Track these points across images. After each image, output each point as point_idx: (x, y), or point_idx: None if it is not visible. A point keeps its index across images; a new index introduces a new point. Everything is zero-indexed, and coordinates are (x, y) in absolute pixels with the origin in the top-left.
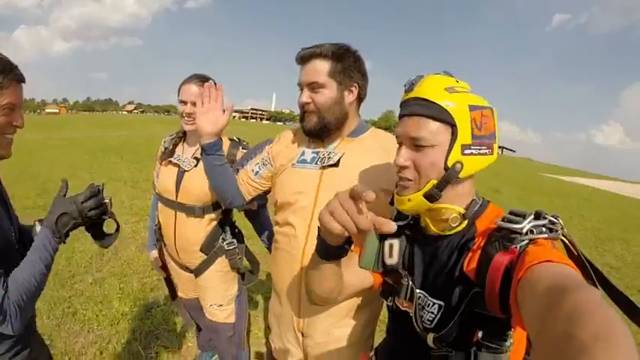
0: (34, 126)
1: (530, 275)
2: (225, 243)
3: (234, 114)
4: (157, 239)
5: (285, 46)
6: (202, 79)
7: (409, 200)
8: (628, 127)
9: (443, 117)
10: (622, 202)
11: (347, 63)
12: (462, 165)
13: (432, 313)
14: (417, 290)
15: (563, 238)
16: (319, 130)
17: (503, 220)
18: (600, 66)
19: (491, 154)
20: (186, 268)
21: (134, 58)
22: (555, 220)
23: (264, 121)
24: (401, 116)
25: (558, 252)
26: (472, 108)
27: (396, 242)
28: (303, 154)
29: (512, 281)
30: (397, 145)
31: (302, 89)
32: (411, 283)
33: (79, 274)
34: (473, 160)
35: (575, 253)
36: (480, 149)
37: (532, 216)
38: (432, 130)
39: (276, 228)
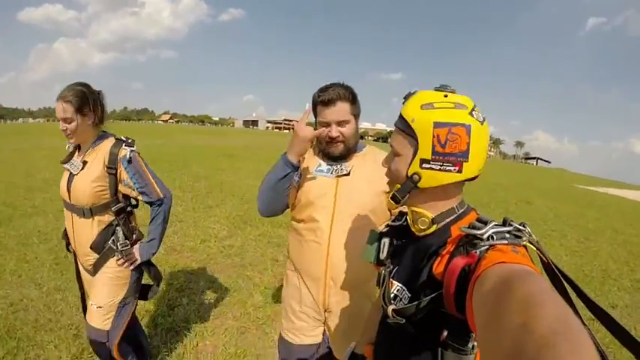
0: None
1: (482, 277)
2: (118, 243)
3: (267, 124)
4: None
5: (316, 55)
6: (72, 91)
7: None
8: None
9: (408, 131)
10: None
11: (357, 101)
12: (419, 177)
13: (404, 304)
14: (399, 284)
15: (529, 245)
16: (345, 154)
17: (468, 227)
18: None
19: (458, 172)
20: (87, 271)
21: (170, 69)
22: (522, 228)
23: None
24: None
25: (518, 255)
26: (437, 125)
27: (387, 240)
28: (320, 165)
29: (468, 285)
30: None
31: (328, 125)
32: (384, 272)
33: None
34: (432, 174)
35: (545, 260)
36: (441, 165)
37: (494, 222)
38: (400, 141)
39: (299, 225)
